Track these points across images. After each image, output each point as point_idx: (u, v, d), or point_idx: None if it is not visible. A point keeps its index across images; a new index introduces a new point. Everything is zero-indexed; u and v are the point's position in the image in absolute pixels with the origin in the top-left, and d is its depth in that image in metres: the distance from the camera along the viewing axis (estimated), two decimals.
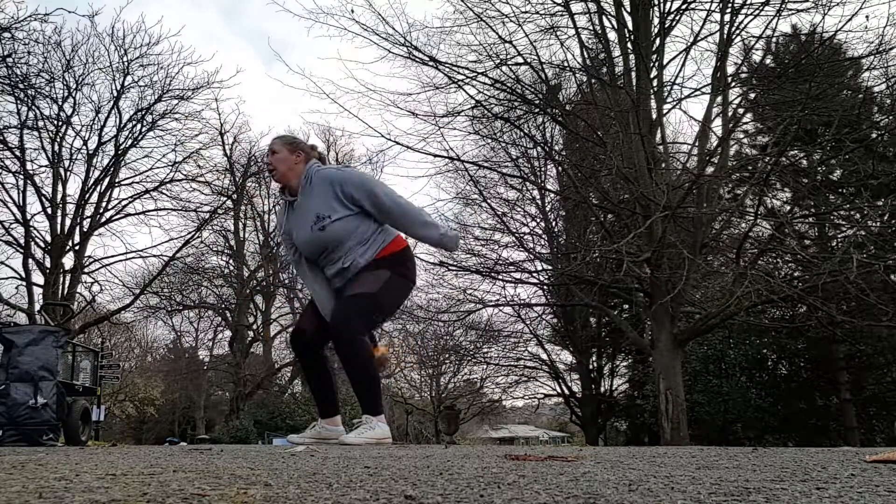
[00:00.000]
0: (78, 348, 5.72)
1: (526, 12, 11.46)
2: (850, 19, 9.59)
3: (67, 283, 16.17)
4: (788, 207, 14.95)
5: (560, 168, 15.76)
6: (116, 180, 16.78)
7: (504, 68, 11.50)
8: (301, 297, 28.41)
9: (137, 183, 17.00)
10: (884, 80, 10.90)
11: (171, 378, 30.75)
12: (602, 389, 21.72)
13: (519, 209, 17.64)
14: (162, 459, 1.86)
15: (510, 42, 11.14)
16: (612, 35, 11.97)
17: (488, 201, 14.98)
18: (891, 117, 12.67)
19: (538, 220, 18.19)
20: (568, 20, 11.73)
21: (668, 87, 11.51)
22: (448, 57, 11.51)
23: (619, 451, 2.53)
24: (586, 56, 12.33)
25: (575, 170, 13.44)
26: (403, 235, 3.28)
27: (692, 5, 11.26)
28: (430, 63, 11.19)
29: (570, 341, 20.99)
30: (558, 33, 11.86)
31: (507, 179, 15.69)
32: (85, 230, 16.40)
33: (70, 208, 16.23)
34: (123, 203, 17.04)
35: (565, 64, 12.21)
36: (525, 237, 16.53)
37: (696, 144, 11.59)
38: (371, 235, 3.16)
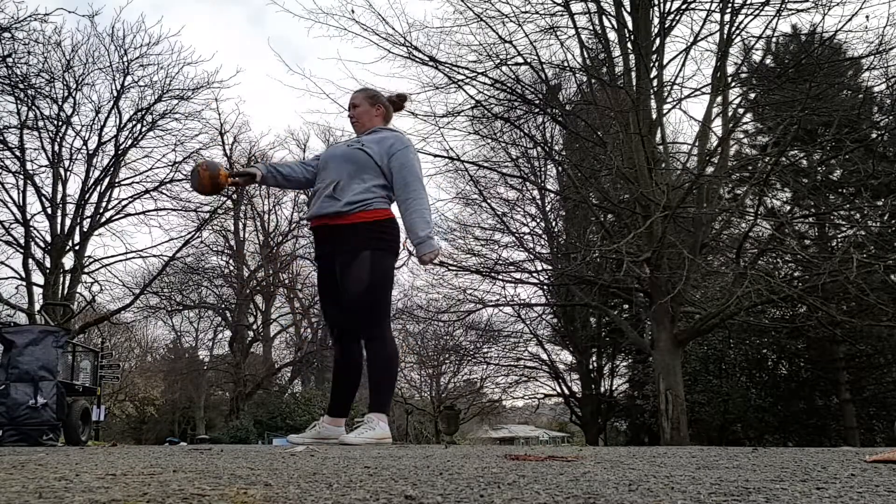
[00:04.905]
0: (78, 348, 5.71)
1: (526, 12, 11.46)
2: (850, 19, 9.62)
3: (67, 283, 16.16)
4: (788, 207, 14.96)
5: (560, 168, 15.76)
6: (116, 180, 16.76)
7: (504, 68, 11.50)
8: (301, 297, 28.46)
9: (137, 183, 16.98)
10: (884, 80, 10.91)
11: (171, 378, 30.74)
12: (602, 389, 21.71)
13: (519, 209, 17.63)
14: (162, 459, 1.86)
15: (510, 42, 11.14)
16: (612, 35, 11.99)
17: (488, 201, 14.98)
18: (891, 117, 12.67)
19: (538, 220, 18.18)
20: (568, 20, 11.75)
21: (668, 87, 11.51)
22: (448, 57, 11.52)
23: (619, 451, 2.53)
24: (586, 56, 12.34)
25: (575, 170, 13.43)
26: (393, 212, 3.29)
27: (692, 5, 11.27)
28: (430, 63, 11.19)
29: (570, 341, 20.99)
30: (558, 33, 11.88)
31: (507, 179, 15.68)
32: (85, 230, 16.37)
33: (70, 208, 16.21)
34: (123, 203, 17.03)
35: (565, 64, 12.22)
36: (525, 237, 16.54)
37: (696, 144, 11.59)
38: (368, 189, 3.15)
